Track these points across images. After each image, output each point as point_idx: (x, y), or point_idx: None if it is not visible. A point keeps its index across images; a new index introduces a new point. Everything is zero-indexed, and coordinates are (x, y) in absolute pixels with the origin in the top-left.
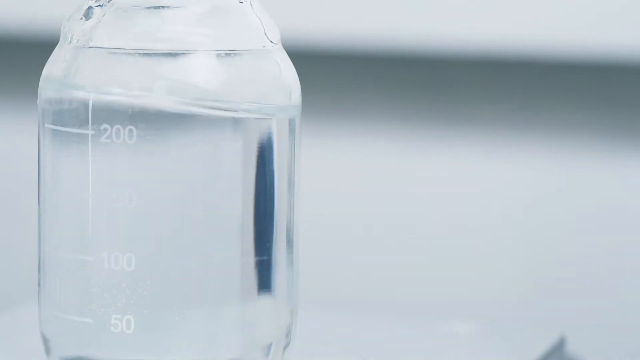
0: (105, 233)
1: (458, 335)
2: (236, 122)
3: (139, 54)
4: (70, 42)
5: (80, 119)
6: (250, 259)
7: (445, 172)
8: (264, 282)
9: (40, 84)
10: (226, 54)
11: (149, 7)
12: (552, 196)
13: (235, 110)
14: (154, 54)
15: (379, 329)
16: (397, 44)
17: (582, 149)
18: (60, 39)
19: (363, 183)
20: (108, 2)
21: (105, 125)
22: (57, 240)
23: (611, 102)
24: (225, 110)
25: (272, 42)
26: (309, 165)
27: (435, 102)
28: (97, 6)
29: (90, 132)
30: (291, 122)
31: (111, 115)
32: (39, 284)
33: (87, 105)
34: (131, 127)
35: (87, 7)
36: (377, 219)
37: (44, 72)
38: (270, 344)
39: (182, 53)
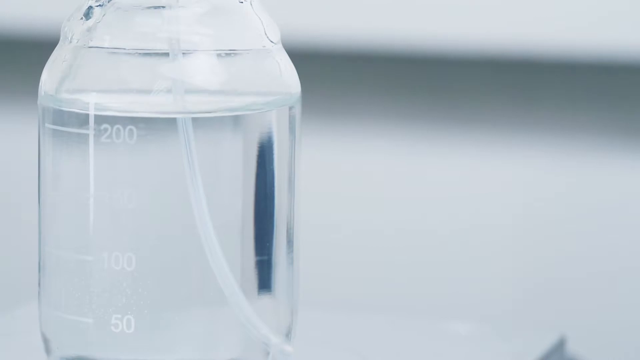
0: (105, 233)
1: (458, 335)
2: (236, 122)
3: (139, 54)
4: (70, 42)
5: (81, 119)
6: (250, 259)
7: (445, 172)
8: (264, 282)
9: (41, 83)
10: (226, 54)
11: (149, 7)
12: (552, 196)
13: (235, 110)
14: (154, 54)
15: (379, 329)
16: (397, 44)
17: (582, 149)
18: (60, 39)
19: (363, 183)
20: (108, 2)
21: (105, 125)
22: (57, 240)
23: (611, 102)
24: (225, 110)
25: (272, 42)
26: (309, 165)
27: (435, 102)
28: (97, 6)
29: (90, 132)
30: (291, 121)
31: (111, 115)
32: (39, 284)
33: (87, 105)
34: (131, 127)
35: (87, 7)
36: (377, 219)
37: (44, 72)
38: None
39: (182, 53)
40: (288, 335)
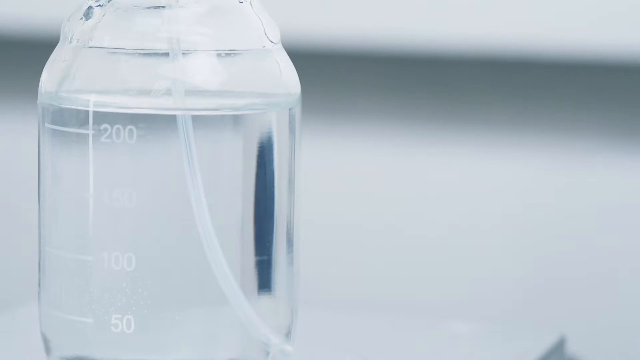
0: (105, 233)
1: (458, 335)
2: (236, 122)
3: (139, 54)
4: (70, 42)
5: (81, 119)
6: (250, 258)
7: (445, 172)
8: (264, 282)
9: (41, 83)
10: (226, 54)
11: (149, 7)
12: (552, 196)
13: (235, 110)
14: (154, 54)
15: (379, 329)
16: (397, 44)
17: (581, 149)
18: (60, 39)
19: (363, 183)
20: (108, 2)
21: (105, 125)
22: (57, 240)
23: (611, 102)
24: (225, 110)
25: (272, 42)
26: (309, 165)
27: (435, 102)
28: (97, 6)
29: (90, 132)
30: (291, 121)
31: (111, 115)
32: (39, 284)
33: (87, 105)
34: (131, 127)
35: (87, 7)
36: (377, 219)
37: (44, 72)
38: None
39: (182, 53)
40: (288, 335)
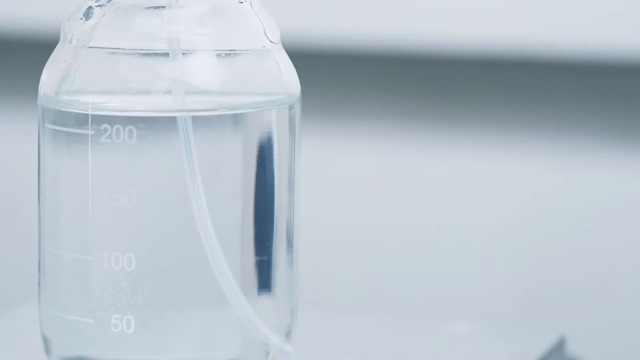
0: (105, 233)
1: (458, 335)
2: (236, 122)
3: (139, 54)
4: (70, 42)
5: (80, 119)
6: (250, 259)
7: (445, 172)
8: (264, 282)
9: (40, 84)
10: (226, 54)
11: (149, 7)
12: (552, 196)
13: (235, 111)
14: (154, 54)
15: (379, 329)
16: (397, 44)
17: (582, 149)
18: (60, 39)
19: (363, 183)
20: (108, 2)
21: (105, 125)
22: (57, 240)
23: (611, 102)
24: (225, 110)
25: (272, 42)
26: (309, 165)
27: (435, 102)
28: (97, 6)
29: (90, 132)
30: (291, 121)
31: (111, 115)
32: (39, 284)
33: (86, 106)
34: (131, 127)
35: (87, 7)
36: (377, 219)
37: (44, 72)
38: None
39: (182, 53)
40: (288, 335)
